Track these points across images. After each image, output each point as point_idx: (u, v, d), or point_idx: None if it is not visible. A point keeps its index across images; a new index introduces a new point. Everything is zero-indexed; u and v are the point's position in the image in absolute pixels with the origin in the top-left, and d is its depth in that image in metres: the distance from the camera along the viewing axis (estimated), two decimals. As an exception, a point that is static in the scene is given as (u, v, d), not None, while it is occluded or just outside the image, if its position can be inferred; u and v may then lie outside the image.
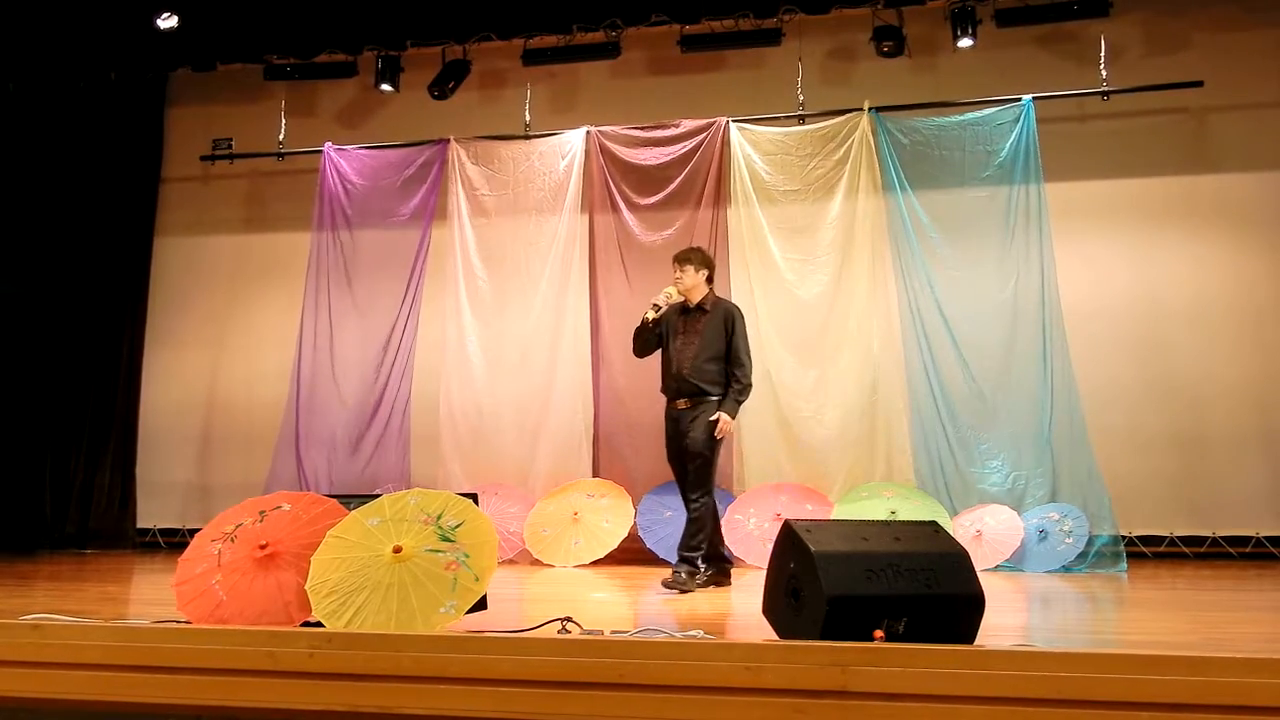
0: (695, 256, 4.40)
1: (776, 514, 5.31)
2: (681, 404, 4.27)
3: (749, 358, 4.31)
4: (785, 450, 5.79)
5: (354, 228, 6.46)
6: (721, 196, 6.01)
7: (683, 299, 4.29)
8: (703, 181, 6.03)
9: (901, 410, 5.70)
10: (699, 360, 4.24)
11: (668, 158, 6.10)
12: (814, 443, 5.76)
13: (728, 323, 4.33)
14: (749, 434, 5.77)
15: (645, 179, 6.12)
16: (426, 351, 6.27)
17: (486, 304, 6.21)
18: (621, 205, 6.16)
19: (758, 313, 5.85)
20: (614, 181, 6.17)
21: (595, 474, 5.92)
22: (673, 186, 6.10)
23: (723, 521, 5.22)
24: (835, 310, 5.86)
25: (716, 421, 4.25)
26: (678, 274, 4.36)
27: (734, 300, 5.50)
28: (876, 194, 5.86)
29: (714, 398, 4.24)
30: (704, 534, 4.24)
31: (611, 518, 5.55)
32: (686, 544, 4.27)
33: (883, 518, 4.87)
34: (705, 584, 4.22)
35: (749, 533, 5.42)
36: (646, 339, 4.30)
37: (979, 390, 5.67)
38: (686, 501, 4.31)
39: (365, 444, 6.22)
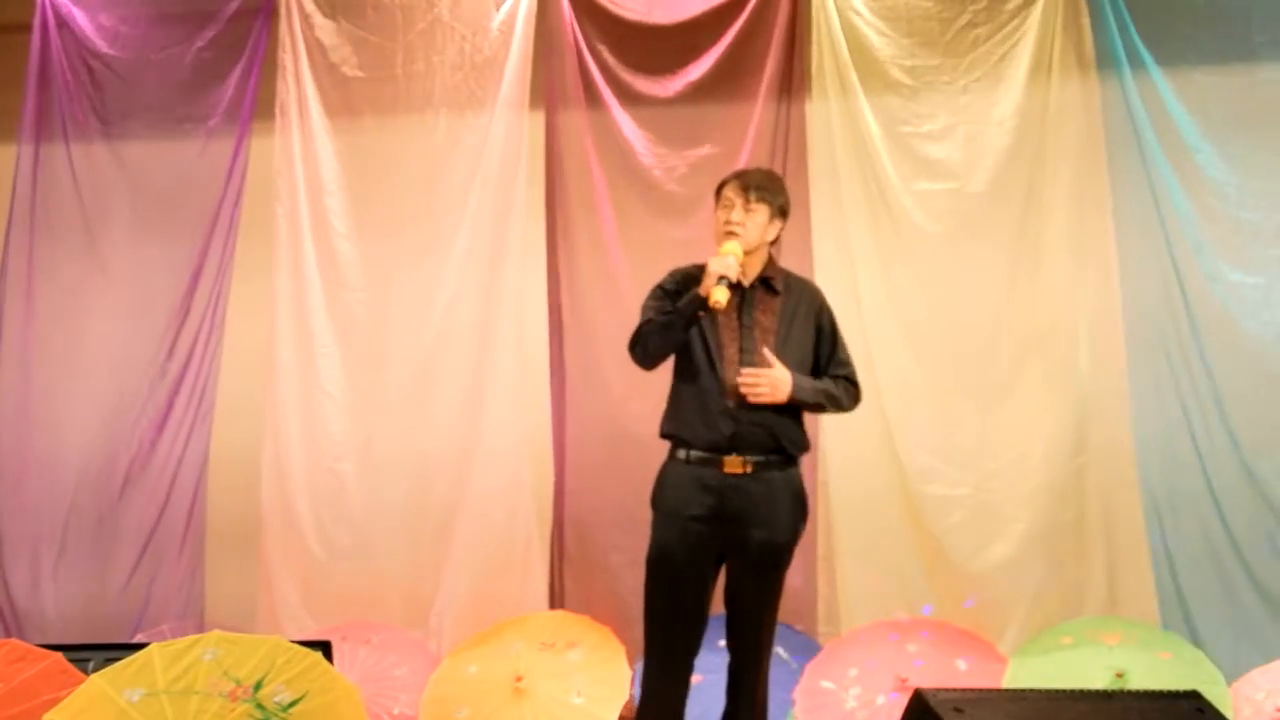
0: (777, 188, 4.17)
1: (900, 678, 4.92)
2: (736, 465, 3.93)
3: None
4: (916, 559, 5.45)
5: (105, 135, 5.98)
6: (796, 80, 5.64)
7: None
8: (762, 52, 5.65)
9: (1135, 481, 5.30)
10: None
11: (696, 7, 5.72)
12: (969, 543, 5.39)
13: (820, 314, 4.18)
14: (848, 530, 5.47)
15: (654, 45, 5.72)
16: (239, 365, 5.88)
17: (353, 278, 5.85)
18: (608, 95, 5.77)
19: (859, 292, 5.55)
20: (594, 50, 5.78)
21: (555, 602, 5.63)
22: (707, 60, 5.67)
23: (799, 691, 5.09)
24: (1011, 289, 5.48)
25: (805, 514, 4.05)
26: (738, 218, 4.02)
27: (819, 270, 5.40)
28: (1086, 75, 5.49)
29: (788, 461, 4.04)
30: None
31: (588, 686, 5.04)
32: None
33: (1101, 684, 4.67)
34: None
35: (849, 714, 4.96)
36: (680, 337, 4.04)
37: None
38: (739, 651, 4.06)
39: (121, 542, 5.70)
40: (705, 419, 4.00)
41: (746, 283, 4.09)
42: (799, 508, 4.04)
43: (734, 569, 4.01)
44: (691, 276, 4.05)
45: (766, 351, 3.98)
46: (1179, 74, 5.45)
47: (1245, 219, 5.39)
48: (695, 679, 4.57)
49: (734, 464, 3.92)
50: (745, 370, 3.92)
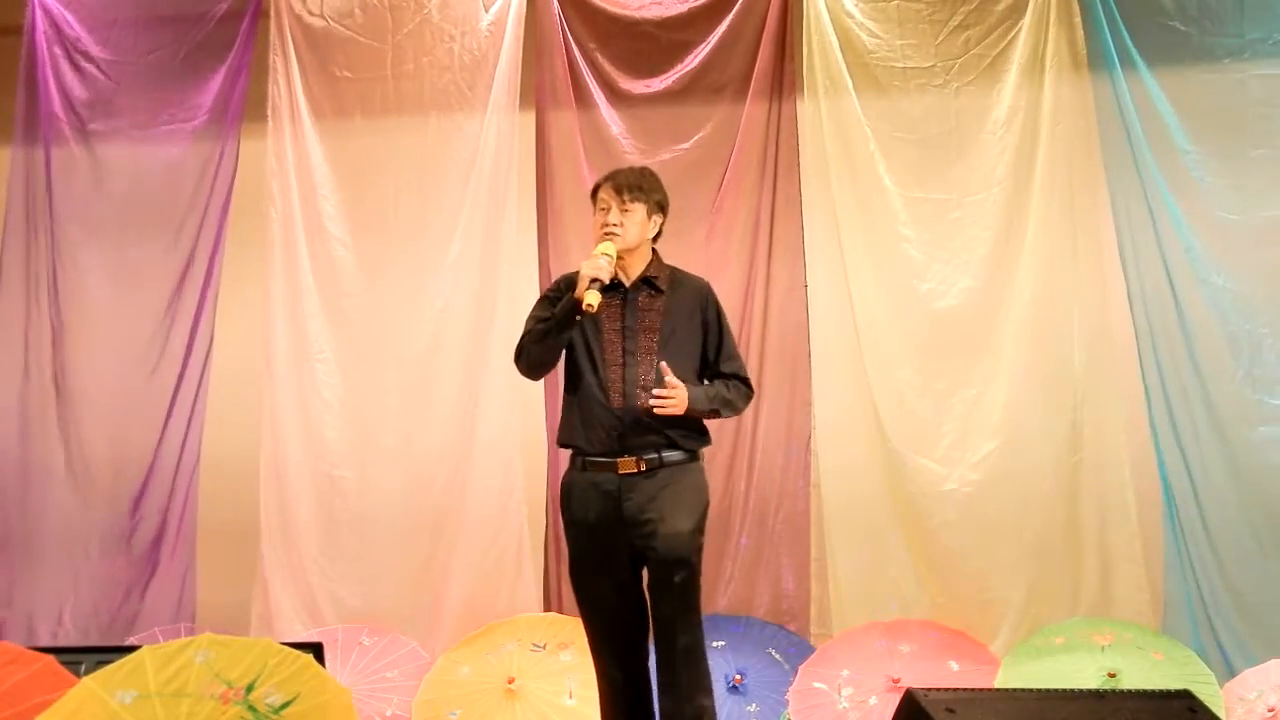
0: (650, 185, 4.13)
1: (892, 679, 5.02)
2: (630, 465, 3.93)
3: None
4: (910, 557, 5.46)
5: (91, 139, 5.96)
6: (786, 79, 5.68)
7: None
8: (751, 51, 5.68)
9: (1129, 481, 5.31)
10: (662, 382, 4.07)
11: (685, 4, 5.77)
12: (962, 544, 5.41)
13: (706, 309, 4.15)
14: (841, 531, 5.48)
15: (643, 45, 5.78)
16: (231, 369, 5.84)
17: (348, 282, 5.85)
18: (598, 94, 5.81)
19: (852, 296, 5.59)
20: (585, 50, 5.82)
21: (549, 605, 5.65)
22: (694, 59, 5.71)
23: (791, 692, 5.11)
24: (1000, 291, 5.50)
25: (704, 503, 3.98)
26: (615, 219, 4.04)
27: (812, 272, 5.58)
28: (1080, 74, 5.50)
29: (687, 457, 4.01)
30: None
31: (580, 688, 5.04)
32: None
33: (1093, 684, 4.69)
34: None
35: (841, 714, 5.03)
36: (557, 344, 4.06)
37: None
38: (661, 656, 3.92)
39: (114, 546, 5.66)
40: (595, 423, 4.00)
41: (628, 283, 4.07)
42: (696, 496, 3.96)
43: (649, 573, 3.95)
44: (573, 283, 4.04)
45: (663, 365, 3.90)
46: (1171, 73, 5.43)
47: (1230, 220, 5.37)
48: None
49: (628, 464, 3.92)
50: (657, 391, 3.84)
